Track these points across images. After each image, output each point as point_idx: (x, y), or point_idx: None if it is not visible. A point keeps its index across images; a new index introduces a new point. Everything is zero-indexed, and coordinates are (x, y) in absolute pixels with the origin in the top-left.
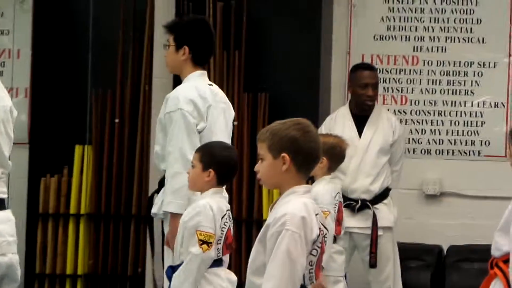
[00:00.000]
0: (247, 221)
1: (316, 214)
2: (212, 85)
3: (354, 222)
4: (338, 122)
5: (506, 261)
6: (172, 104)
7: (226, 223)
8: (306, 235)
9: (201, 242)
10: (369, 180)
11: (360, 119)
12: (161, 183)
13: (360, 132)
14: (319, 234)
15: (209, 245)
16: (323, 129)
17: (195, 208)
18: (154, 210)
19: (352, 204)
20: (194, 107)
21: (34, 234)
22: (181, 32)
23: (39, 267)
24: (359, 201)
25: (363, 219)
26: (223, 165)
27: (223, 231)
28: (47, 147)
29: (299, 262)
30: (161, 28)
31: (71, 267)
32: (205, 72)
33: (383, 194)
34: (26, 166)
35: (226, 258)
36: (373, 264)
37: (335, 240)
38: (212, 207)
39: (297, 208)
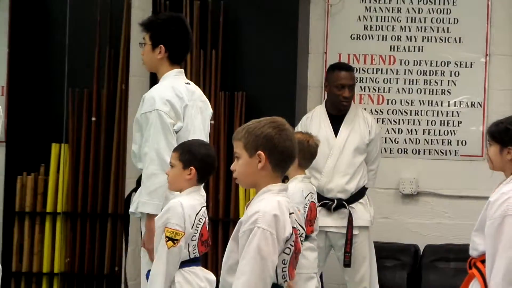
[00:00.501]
0: (224, 221)
1: (291, 213)
2: (189, 83)
3: (330, 222)
4: (314, 121)
5: (484, 261)
6: (148, 105)
7: (200, 220)
8: (278, 233)
9: (167, 239)
10: (345, 179)
11: (336, 119)
12: (139, 182)
13: (336, 131)
14: (292, 233)
15: (175, 242)
16: (299, 128)
17: (166, 206)
18: (132, 209)
19: (328, 203)
20: (170, 107)
21: (10, 232)
22: (157, 30)
23: (15, 265)
24: (335, 201)
25: (339, 218)
26: (203, 162)
27: (198, 227)
28: (24, 145)
29: (270, 259)
30: (138, 26)
31: (48, 265)
32: (182, 70)
33: (360, 193)
34: (3, 164)
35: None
36: (347, 263)
37: (306, 238)
38: (182, 204)
39: (270, 206)
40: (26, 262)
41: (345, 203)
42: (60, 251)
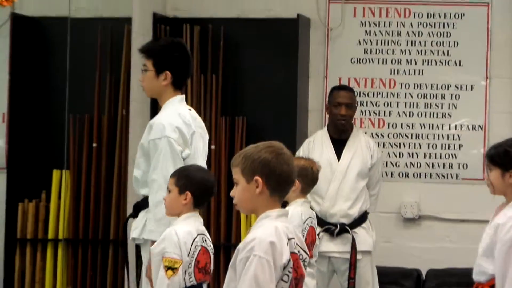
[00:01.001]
0: (226, 246)
1: (291, 238)
2: (191, 109)
3: (333, 247)
4: (316, 145)
5: (493, 286)
6: (157, 131)
7: (197, 247)
8: (275, 260)
9: (166, 268)
10: (348, 204)
11: (339, 143)
12: (136, 207)
13: (338, 155)
14: (290, 259)
15: (174, 270)
16: (301, 152)
17: (162, 236)
18: (134, 234)
19: (331, 228)
20: (179, 135)
21: (12, 260)
22: (161, 57)
23: None
24: (338, 225)
25: (342, 243)
26: (199, 186)
27: (194, 255)
28: (25, 172)
29: (267, 287)
30: (139, 52)
31: None
32: (184, 96)
33: (362, 218)
34: (4, 191)
35: (204, 286)
36: None
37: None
38: (177, 233)
39: (267, 233)
40: None
41: (348, 228)
42: (62, 278)
